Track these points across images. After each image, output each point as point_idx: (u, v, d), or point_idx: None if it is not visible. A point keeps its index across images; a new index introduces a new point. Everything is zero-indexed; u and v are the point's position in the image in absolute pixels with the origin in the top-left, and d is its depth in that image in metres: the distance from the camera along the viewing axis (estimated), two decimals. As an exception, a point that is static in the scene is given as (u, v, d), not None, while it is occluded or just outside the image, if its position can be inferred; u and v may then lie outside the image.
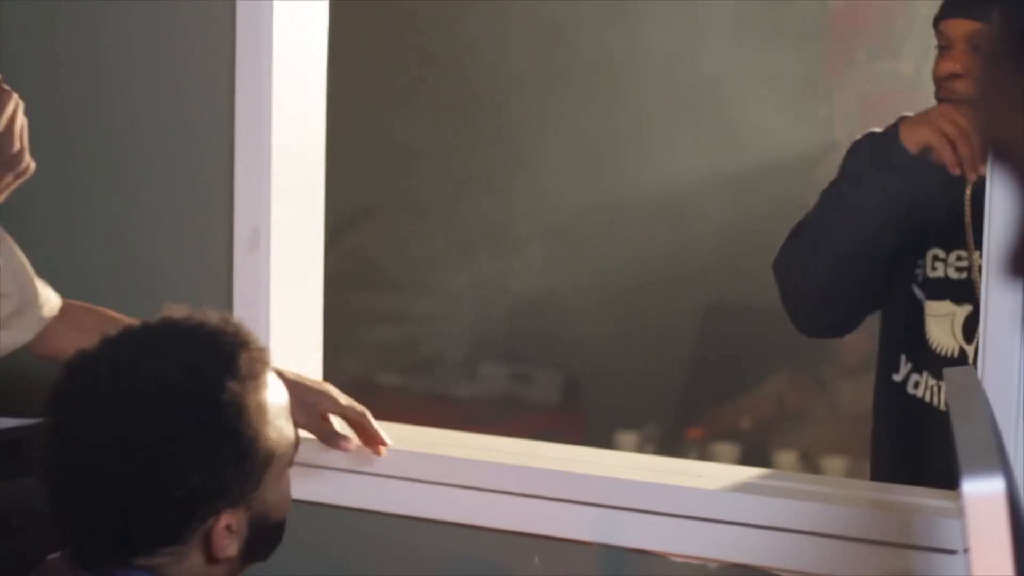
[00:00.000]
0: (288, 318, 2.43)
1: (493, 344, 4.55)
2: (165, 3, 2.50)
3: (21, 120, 1.95)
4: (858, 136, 2.40)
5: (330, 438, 2.18)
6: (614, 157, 4.27)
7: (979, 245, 2.28)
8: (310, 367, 2.49)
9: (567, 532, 2.21)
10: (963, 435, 1.29)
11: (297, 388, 2.03)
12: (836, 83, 4.10)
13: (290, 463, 1.71)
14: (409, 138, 4.44)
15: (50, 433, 1.64)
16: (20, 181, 1.99)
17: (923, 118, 2.31)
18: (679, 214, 4.19)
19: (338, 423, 2.21)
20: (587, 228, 4.32)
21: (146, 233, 2.54)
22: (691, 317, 4.26)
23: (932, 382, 2.36)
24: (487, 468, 2.26)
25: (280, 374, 1.77)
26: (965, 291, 2.32)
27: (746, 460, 3.96)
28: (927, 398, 2.36)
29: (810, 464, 3.95)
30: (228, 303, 2.41)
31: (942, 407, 2.33)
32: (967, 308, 2.31)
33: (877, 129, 2.36)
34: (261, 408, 1.64)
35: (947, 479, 2.11)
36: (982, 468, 1.17)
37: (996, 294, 1.97)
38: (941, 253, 2.35)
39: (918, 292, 2.38)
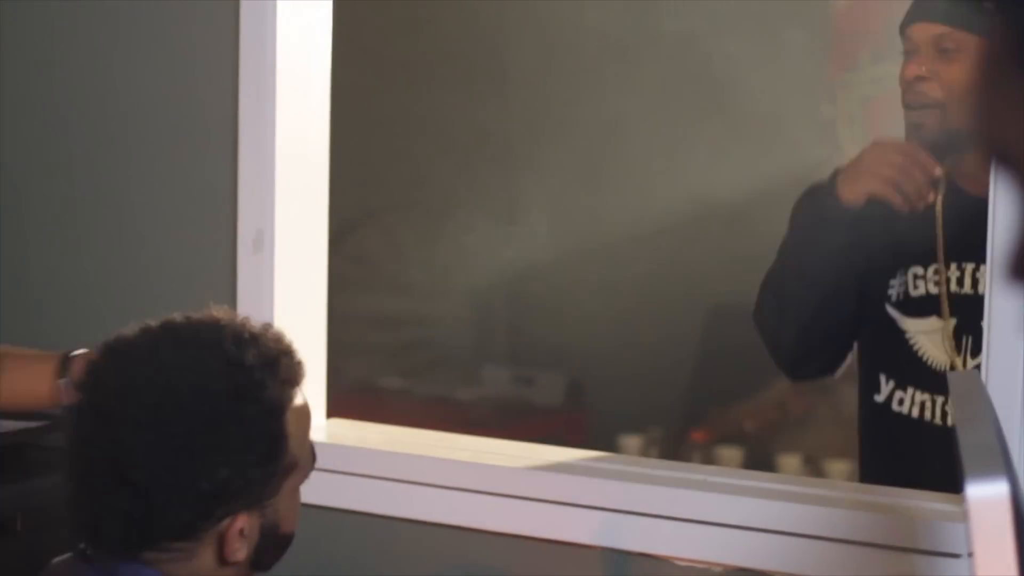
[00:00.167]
0: (292, 320, 2.43)
1: (496, 347, 4.55)
2: (169, 5, 2.50)
3: None
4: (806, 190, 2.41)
5: None
6: (617, 164, 4.27)
7: (954, 257, 2.30)
8: (314, 369, 2.49)
9: (571, 536, 2.21)
10: (967, 439, 1.29)
11: None
12: (839, 85, 4.10)
13: (305, 477, 1.71)
14: (413, 140, 4.44)
15: (85, 409, 1.63)
16: None
17: (859, 168, 2.31)
18: (682, 217, 4.18)
19: None
20: (591, 232, 4.32)
21: (150, 235, 2.54)
22: (695, 320, 4.26)
23: (921, 397, 2.35)
24: (490, 471, 2.26)
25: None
26: (950, 305, 2.32)
27: (750, 464, 3.96)
28: (915, 414, 2.36)
29: (814, 468, 3.94)
30: (232, 305, 2.41)
31: (936, 420, 2.32)
32: (953, 321, 2.32)
33: (820, 180, 2.36)
34: (294, 417, 1.65)
35: (943, 490, 2.11)
36: (986, 472, 1.17)
37: (1000, 299, 1.97)
38: (920, 270, 2.36)
39: (892, 312, 2.38)
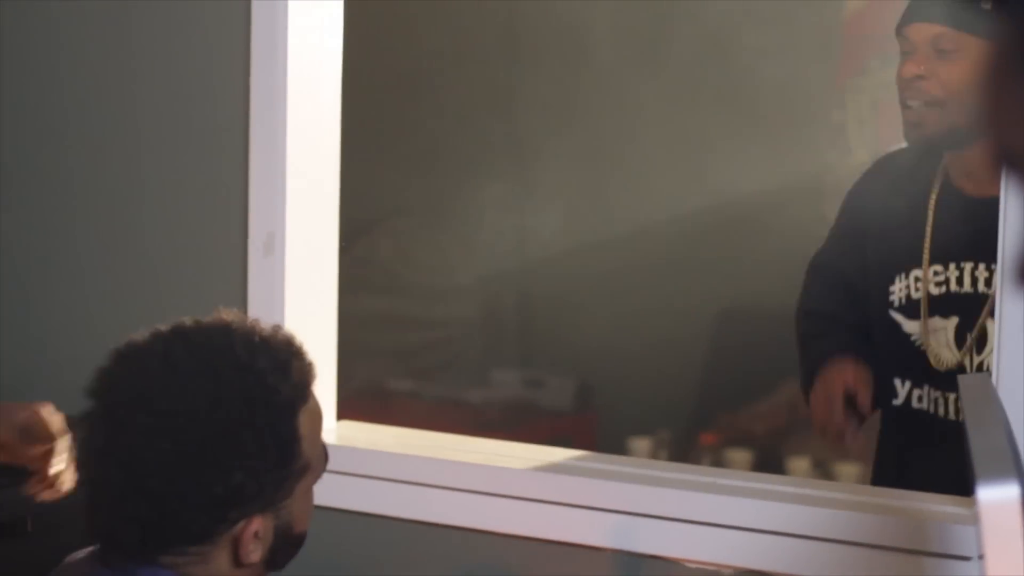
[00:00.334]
0: (303, 323, 2.43)
1: (506, 350, 4.55)
2: (180, 6, 2.51)
3: None
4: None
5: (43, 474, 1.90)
6: (629, 168, 4.27)
7: (953, 257, 2.33)
8: (324, 372, 2.49)
9: (582, 538, 2.21)
10: (978, 442, 1.29)
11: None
12: (849, 90, 4.10)
13: (318, 478, 1.71)
14: (424, 143, 4.44)
15: (99, 417, 1.63)
16: None
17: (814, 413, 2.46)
18: (692, 222, 4.18)
19: None
20: (601, 236, 4.32)
21: (161, 238, 2.55)
22: (704, 323, 4.26)
23: (935, 394, 2.39)
24: (501, 474, 2.26)
25: None
26: (947, 305, 2.36)
27: (759, 466, 3.96)
28: (931, 410, 2.39)
29: (823, 471, 3.94)
30: (243, 307, 2.42)
31: (951, 416, 2.35)
32: (954, 320, 2.34)
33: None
34: (306, 418, 1.65)
35: (955, 488, 2.12)
36: (997, 474, 1.17)
37: (1010, 303, 1.97)
38: (920, 273, 2.39)
39: (897, 316, 2.43)
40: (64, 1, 2.60)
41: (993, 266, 2.26)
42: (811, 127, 4.07)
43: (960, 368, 2.34)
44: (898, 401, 2.42)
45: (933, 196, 2.40)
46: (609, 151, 4.30)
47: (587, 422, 4.38)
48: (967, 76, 2.30)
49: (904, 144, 2.46)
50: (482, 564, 2.29)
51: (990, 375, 2.02)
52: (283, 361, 1.64)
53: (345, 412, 2.55)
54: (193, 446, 1.58)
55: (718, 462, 4.01)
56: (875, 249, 2.46)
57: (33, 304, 2.66)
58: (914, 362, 2.40)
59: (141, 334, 1.66)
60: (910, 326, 2.40)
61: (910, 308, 2.40)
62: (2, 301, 2.67)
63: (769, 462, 3.98)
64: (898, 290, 2.41)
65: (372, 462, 2.35)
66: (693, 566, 2.15)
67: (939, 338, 2.37)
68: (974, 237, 2.13)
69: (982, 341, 2.32)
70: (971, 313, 2.32)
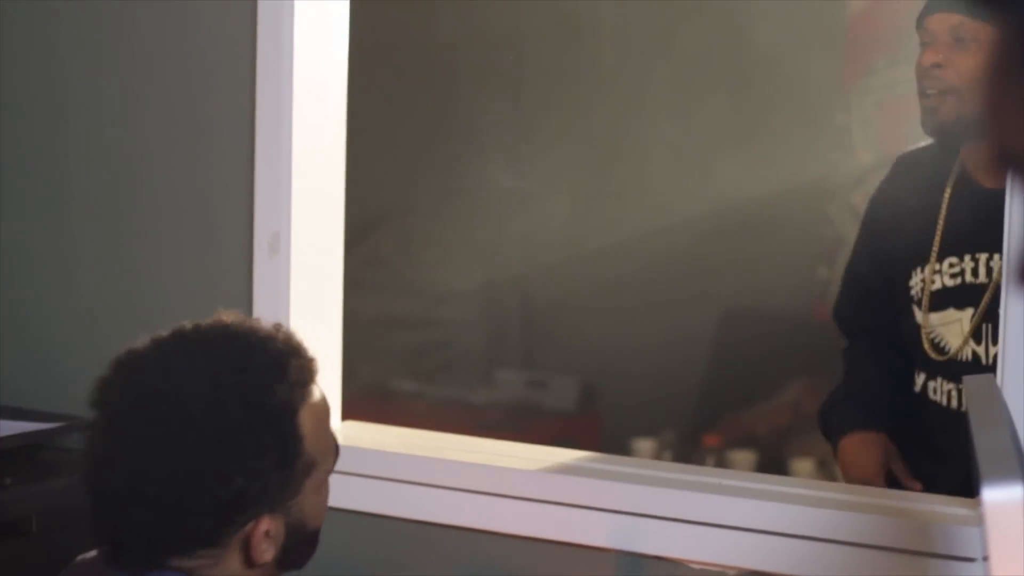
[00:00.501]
0: (307, 322, 2.43)
1: (510, 350, 4.55)
2: (185, 7, 2.51)
3: None
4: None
5: None
6: (632, 168, 4.27)
7: (968, 248, 2.35)
8: (329, 372, 2.50)
9: (585, 538, 2.21)
10: (983, 443, 1.29)
11: None
12: (854, 91, 4.09)
13: (328, 472, 1.71)
14: (429, 143, 4.44)
15: (99, 426, 1.64)
16: None
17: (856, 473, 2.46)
18: (695, 222, 4.18)
19: None
20: (605, 236, 4.32)
21: (166, 237, 2.55)
22: (708, 324, 4.26)
23: (948, 386, 2.42)
24: (504, 474, 2.26)
25: None
26: (962, 296, 2.38)
27: (763, 467, 3.96)
28: (943, 401, 2.42)
29: (827, 472, 3.94)
30: (248, 307, 2.42)
31: (963, 408, 2.37)
32: (969, 311, 2.36)
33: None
34: (308, 416, 1.65)
35: (959, 480, 2.13)
36: (1002, 476, 1.17)
37: (1015, 303, 1.97)
38: (936, 265, 2.42)
39: (915, 309, 2.46)
40: (68, 2, 2.60)
41: None
42: (815, 127, 4.07)
43: (976, 359, 2.36)
44: (917, 388, 2.46)
45: (948, 188, 2.43)
46: (614, 153, 4.29)
47: (590, 423, 4.38)
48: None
49: (922, 141, 2.49)
50: (485, 564, 2.29)
51: (994, 376, 2.02)
52: (281, 361, 1.64)
53: (349, 412, 2.55)
54: (192, 453, 1.58)
55: (722, 463, 4.01)
56: (897, 245, 2.49)
57: (37, 304, 2.66)
58: (922, 351, 2.44)
59: (141, 341, 1.66)
60: (927, 317, 2.43)
61: (924, 301, 2.44)
62: (9, 301, 2.68)
63: (773, 463, 3.98)
64: (915, 284, 2.45)
65: (376, 462, 2.35)
66: (696, 567, 2.15)
67: (953, 329, 2.39)
68: (990, 228, 2.14)
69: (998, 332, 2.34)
70: (987, 304, 2.35)
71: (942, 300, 2.41)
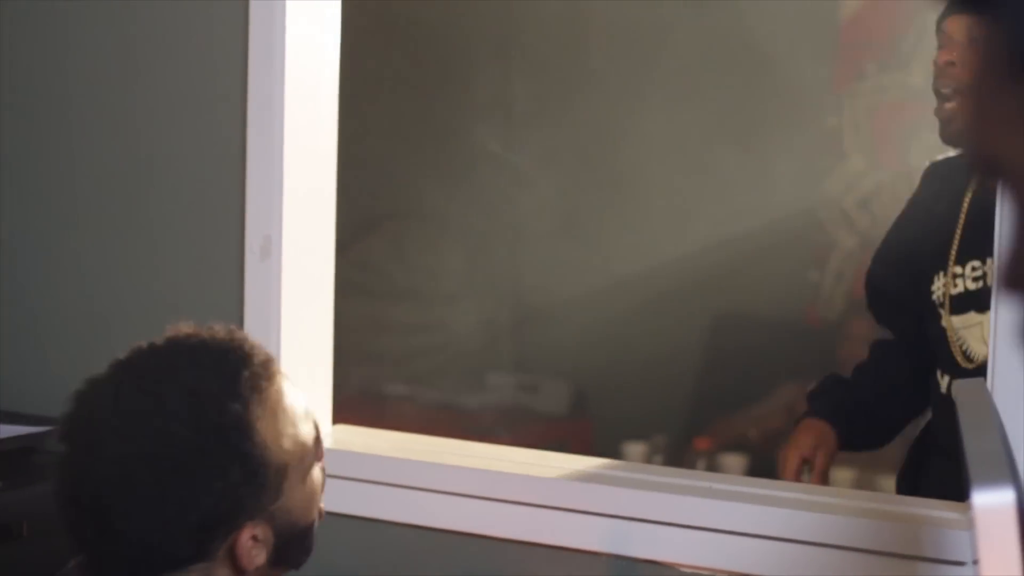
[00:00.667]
0: (299, 327, 2.43)
1: (501, 354, 4.55)
2: (177, 8, 2.51)
3: None
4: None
5: None
6: (622, 172, 4.27)
7: (990, 252, 2.37)
8: (320, 376, 2.50)
9: (577, 542, 2.21)
10: (973, 447, 1.30)
11: None
12: (846, 95, 4.10)
13: (311, 465, 1.68)
14: (419, 147, 4.44)
15: (62, 465, 1.64)
16: None
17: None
18: (686, 225, 4.19)
19: None
20: (596, 240, 4.32)
21: (157, 241, 2.55)
22: (699, 328, 4.26)
23: None
24: (495, 478, 2.27)
25: None
26: (984, 300, 2.41)
27: (754, 471, 3.96)
28: None
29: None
30: (239, 311, 2.42)
31: None
32: (989, 315, 2.38)
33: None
34: (267, 423, 1.62)
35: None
36: (992, 479, 1.17)
37: (1004, 309, 1.98)
38: (958, 269, 2.46)
39: (939, 312, 2.50)
40: (62, 2, 2.60)
41: None
42: (807, 132, 4.08)
43: None
44: (942, 390, 2.49)
45: (969, 193, 2.47)
46: (606, 158, 4.30)
47: (582, 427, 4.38)
48: None
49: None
50: (477, 568, 2.29)
51: (985, 380, 2.02)
52: (232, 376, 1.61)
53: (341, 416, 2.55)
54: (150, 486, 1.57)
55: (713, 467, 4.01)
56: (921, 252, 2.53)
57: (29, 307, 2.66)
58: (950, 357, 2.47)
59: (102, 371, 1.65)
60: (950, 320, 2.47)
61: (950, 303, 2.47)
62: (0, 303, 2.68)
63: (764, 467, 3.98)
64: (937, 288, 2.48)
65: (368, 466, 2.35)
66: (688, 570, 2.15)
67: (974, 333, 2.42)
68: None
69: None
70: None
71: (963, 304, 2.45)
